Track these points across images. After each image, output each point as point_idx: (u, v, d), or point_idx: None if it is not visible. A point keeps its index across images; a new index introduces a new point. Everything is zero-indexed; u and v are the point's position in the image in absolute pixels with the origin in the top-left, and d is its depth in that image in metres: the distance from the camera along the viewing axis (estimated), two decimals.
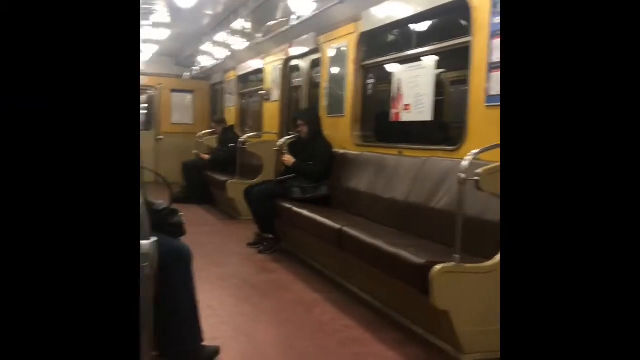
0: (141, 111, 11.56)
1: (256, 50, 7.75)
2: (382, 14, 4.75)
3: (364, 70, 5.24)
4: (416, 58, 4.45)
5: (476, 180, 2.58)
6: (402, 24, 4.66)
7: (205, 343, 2.66)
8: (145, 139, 9.82)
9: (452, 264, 2.64)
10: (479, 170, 2.58)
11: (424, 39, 4.53)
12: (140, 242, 0.99)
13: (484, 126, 3.42)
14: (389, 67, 4.99)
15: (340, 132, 5.42)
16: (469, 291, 2.66)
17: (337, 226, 3.75)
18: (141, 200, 1.01)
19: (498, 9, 3.22)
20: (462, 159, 2.77)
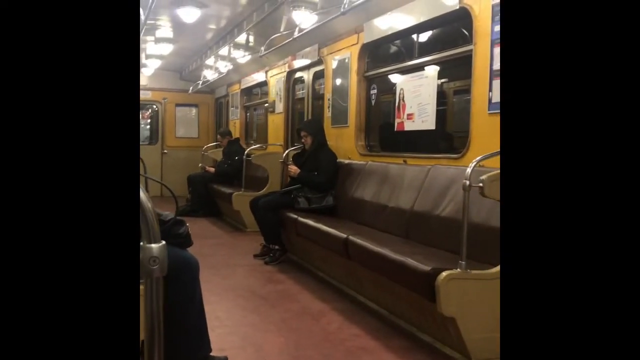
0: (146, 126, 11.63)
1: (260, 63, 7.81)
2: (384, 25, 4.79)
3: (367, 80, 5.29)
4: (419, 68, 4.49)
5: (480, 187, 2.58)
6: (404, 34, 4.71)
7: (213, 353, 2.67)
8: (151, 153, 9.86)
9: (458, 270, 2.65)
10: (483, 177, 2.58)
11: (426, 48, 4.57)
12: (151, 245, 1.01)
13: (487, 133, 3.44)
14: (392, 77, 5.03)
15: (345, 142, 5.46)
16: (476, 298, 2.66)
17: (343, 235, 3.76)
18: (150, 206, 1.03)
19: (499, 17, 3.26)
20: (466, 166, 2.78)
